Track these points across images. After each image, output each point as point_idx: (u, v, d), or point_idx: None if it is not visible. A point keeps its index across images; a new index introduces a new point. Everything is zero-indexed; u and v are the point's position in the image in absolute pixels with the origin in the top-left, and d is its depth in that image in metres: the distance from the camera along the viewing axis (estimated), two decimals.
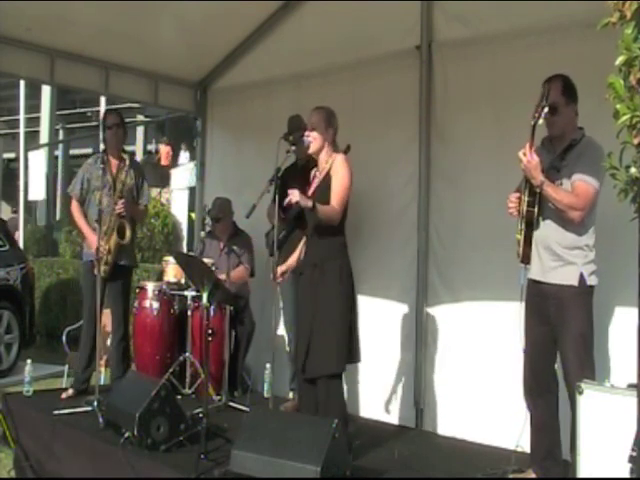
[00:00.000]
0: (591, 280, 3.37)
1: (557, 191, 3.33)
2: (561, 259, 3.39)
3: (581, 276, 3.35)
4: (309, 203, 3.69)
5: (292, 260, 4.17)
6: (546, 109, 3.29)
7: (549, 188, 3.31)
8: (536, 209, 3.38)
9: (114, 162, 5.03)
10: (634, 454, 2.27)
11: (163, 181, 15.53)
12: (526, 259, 3.48)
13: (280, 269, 4.08)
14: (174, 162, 15.58)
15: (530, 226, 3.43)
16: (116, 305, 5.16)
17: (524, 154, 3.32)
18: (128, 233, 4.90)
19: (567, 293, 3.36)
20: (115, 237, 4.90)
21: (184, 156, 15.57)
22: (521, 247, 3.47)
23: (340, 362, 3.79)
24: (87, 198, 5.12)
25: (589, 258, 3.38)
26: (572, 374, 3.27)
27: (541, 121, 3.30)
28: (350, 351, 3.82)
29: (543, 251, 3.44)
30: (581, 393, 2.79)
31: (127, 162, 5.09)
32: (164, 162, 14.81)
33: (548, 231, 3.42)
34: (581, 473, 2.78)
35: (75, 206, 5.18)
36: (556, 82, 3.42)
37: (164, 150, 15.38)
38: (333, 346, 3.75)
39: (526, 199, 3.40)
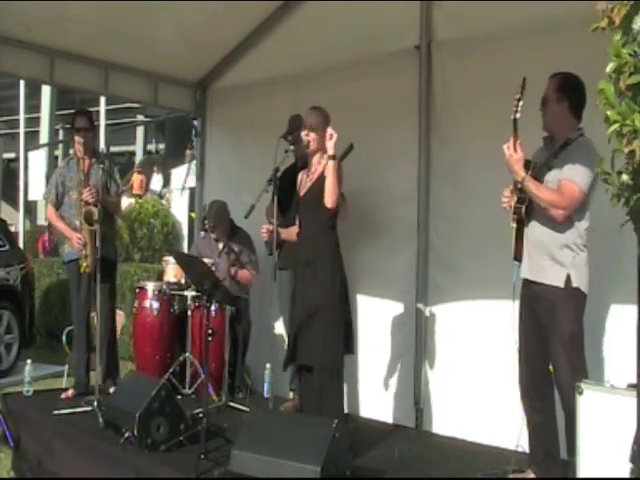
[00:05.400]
0: (579, 282, 3.32)
1: (539, 188, 3.32)
2: (550, 258, 3.37)
3: (567, 278, 3.31)
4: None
5: (284, 232, 4.15)
6: (521, 102, 3.29)
7: (530, 184, 3.30)
8: (524, 206, 3.38)
9: (86, 161, 5.03)
10: (634, 454, 2.27)
11: None
12: (518, 256, 3.47)
13: (267, 226, 4.09)
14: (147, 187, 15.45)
15: (520, 223, 3.42)
16: (103, 307, 4.97)
17: (508, 148, 3.33)
18: (95, 217, 4.74)
19: (555, 295, 3.34)
20: (86, 226, 4.80)
21: (157, 179, 15.43)
22: (513, 243, 3.46)
23: (333, 357, 3.81)
24: (63, 201, 5.11)
25: (578, 258, 3.34)
26: (564, 374, 3.26)
27: (519, 115, 3.30)
28: (346, 346, 3.88)
29: (533, 249, 3.43)
30: (581, 393, 2.78)
31: (97, 159, 5.07)
32: (136, 190, 14.71)
33: (537, 229, 3.41)
34: (581, 473, 2.78)
35: (52, 212, 5.19)
36: (556, 78, 3.44)
37: (137, 178, 15.25)
38: (327, 342, 3.77)
39: (516, 196, 3.41)
